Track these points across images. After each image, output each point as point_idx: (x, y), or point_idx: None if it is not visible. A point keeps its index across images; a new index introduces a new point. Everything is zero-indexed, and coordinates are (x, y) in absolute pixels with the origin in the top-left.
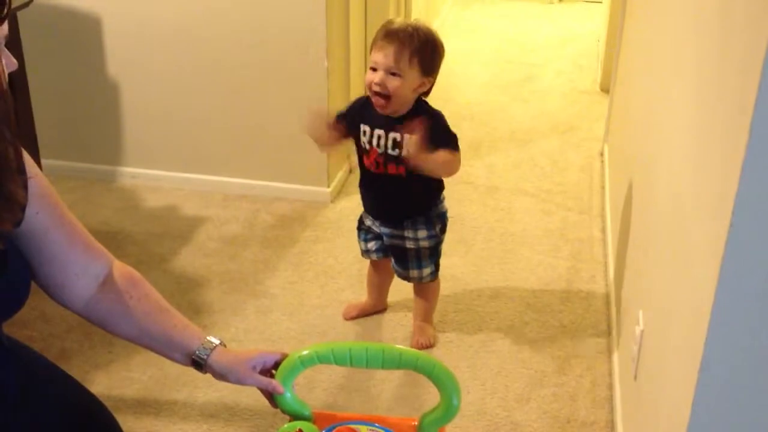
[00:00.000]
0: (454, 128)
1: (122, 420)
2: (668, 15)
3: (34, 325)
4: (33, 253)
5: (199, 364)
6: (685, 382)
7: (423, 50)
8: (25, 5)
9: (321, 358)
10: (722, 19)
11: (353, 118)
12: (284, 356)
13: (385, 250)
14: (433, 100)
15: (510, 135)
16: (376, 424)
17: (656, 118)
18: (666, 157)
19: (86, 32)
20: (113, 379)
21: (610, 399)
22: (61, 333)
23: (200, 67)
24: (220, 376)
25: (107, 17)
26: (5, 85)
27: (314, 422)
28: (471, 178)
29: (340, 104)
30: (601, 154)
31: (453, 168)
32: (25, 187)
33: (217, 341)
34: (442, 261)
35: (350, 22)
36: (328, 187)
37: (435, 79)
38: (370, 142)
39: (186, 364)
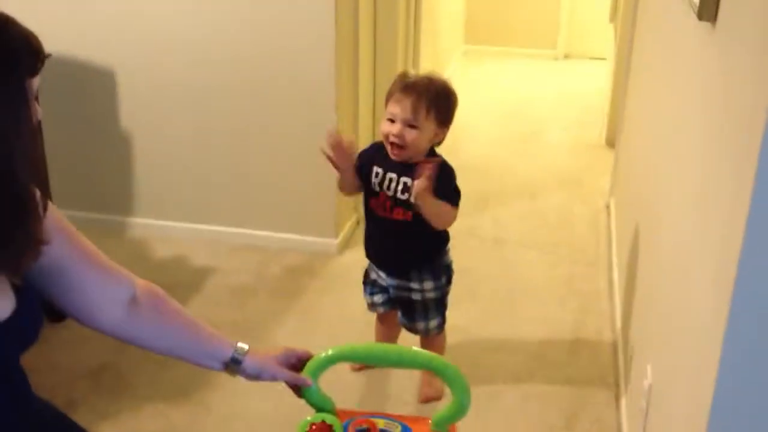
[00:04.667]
0: (461, 181)
1: None
2: (673, 72)
3: (41, 373)
4: (56, 283)
5: (234, 369)
6: None
7: (439, 102)
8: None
9: (345, 357)
10: (725, 76)
11: (366, 160)
12: (307, 353)
13: (391, 303)
14: (442, 154)
15: (517, 188)
16: (393, 419)
17: (661, 172)
18: (670, 213)
19: (100, 85)
20: (120, 429)
21: None
22: (68, 382)
23: (210, 119)
24: (254, 376)
25: (121, 71)
26: (37, 132)
27: (337, 416)
28: (478, 231)
29: None
30: (607, 207)
31: (447, 220)
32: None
33: (246, 346)
34: (449, 312)
35: (359, 77)
36: (336, 238)
37: (449, 129)
38: (381, 184)
39: (220, 370)
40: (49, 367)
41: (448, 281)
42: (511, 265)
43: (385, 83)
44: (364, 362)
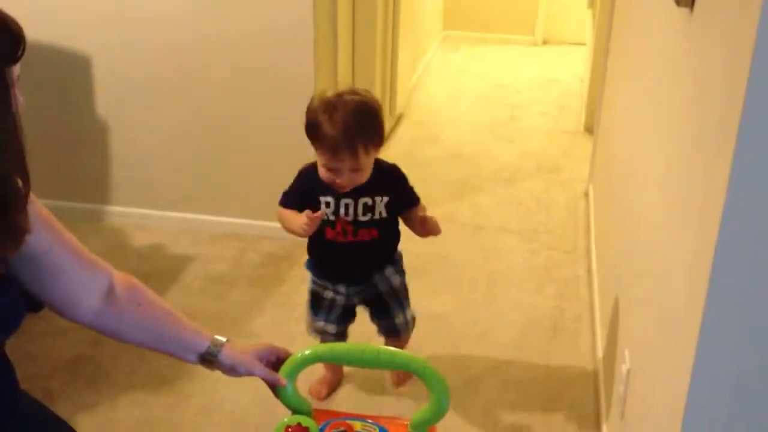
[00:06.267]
0: (440, 167)
1: None
2: (651, 58)
3: (19, 366)
4: (39, 274)
5: (210, 361)
6: (670, 421)
7: (373, 133)
8: None
9: (322, 357)
10: (702, 62)
11: (306, 193)
12: (287, 352)
13: (344, 326)
14: (421, 142)
15: (495, 174)
16: (371, 421)
17: (638, 159)
18: (648, 199)
19: (76, 72)
20: (99, 420)
21: None
22: (47, 373)
23: (188, 106)
24: (230, 369)
25: (97, 58)
26: (19, 121)
27: (313, 418)
28: (457, 217)
29: None
30: (586, 194)
31: None
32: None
33: (224, 339)
34: (429, 300)
35: (338, 64)
36: None
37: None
38: (336, 213)
39: (197, 363)
40: (26, 358)
41: (402, 262)
42: (490, 252)
43: (365, 71)
44: (341, 363)
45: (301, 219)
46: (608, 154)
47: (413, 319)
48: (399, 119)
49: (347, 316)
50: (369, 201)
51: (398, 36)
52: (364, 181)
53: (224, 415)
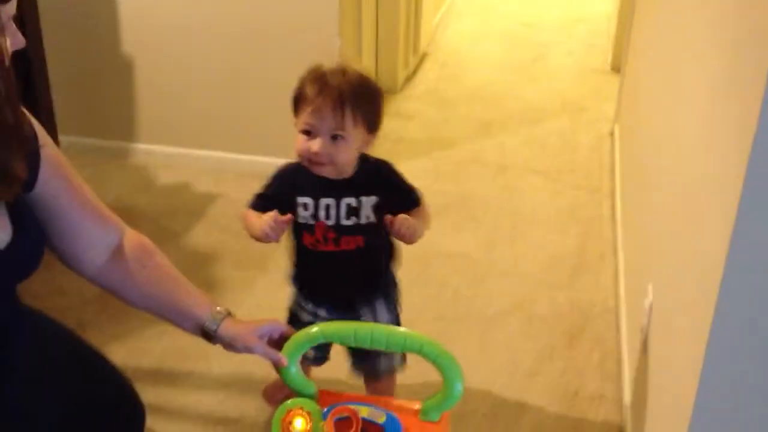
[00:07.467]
0: (466, 107)
1: (137, 391)
2: None
3: (51, 299)
4: (47, 221)
5: (209, 335)
6: (693, 354)
7: (365, 103)
8: None
9: (327, 337)
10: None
11: (282, 195)
12: (291, 330)
13: (323, 356)
14: (445, 81)
15: (520, 114)
16: (379, 407)
17: (668, 96)
18: (677, 136)
19: (102, 9)
20: (129, 350)
21: (619, 372)
22: (77, 306)
23: (215, 43)
24: (229, 345)
25: None
26: (7, 62)
27: (319, 400)
28: (482, 157)
29: None
30: (612, 134)
31: (430, 220)
32: (30, 159)
33: (225, 312)
34: (453, 238)
35: (362, 7)
36: None
37: (377, 134)
38: (315, 216)
39: (195, 334)
40: (56, 292)
41: (399, 301)
42: (514, 191)
43: (389, 10)
44: (347, 344)
45: (264, 219)
46: (635, 93)
47: (402, 363)
48: (423, 58)
49: (324, 345)
50: (353, 201)
51: None
52: (344, 161)
53: None
